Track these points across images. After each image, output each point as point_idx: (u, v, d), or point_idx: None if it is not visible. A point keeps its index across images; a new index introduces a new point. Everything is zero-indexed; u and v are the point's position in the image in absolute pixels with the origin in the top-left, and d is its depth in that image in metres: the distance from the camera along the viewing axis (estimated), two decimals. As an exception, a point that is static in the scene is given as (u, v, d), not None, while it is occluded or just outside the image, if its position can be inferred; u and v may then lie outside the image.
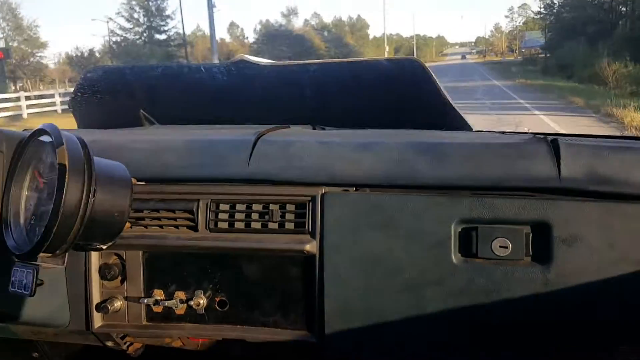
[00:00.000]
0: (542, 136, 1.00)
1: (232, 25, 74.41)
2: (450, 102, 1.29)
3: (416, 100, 1.31)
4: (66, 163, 0.78)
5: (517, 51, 65.12)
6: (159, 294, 1.01)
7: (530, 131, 1.26)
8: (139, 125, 1.48)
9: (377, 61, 1.34)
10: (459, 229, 0.91)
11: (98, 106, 1.51)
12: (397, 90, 1.32)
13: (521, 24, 66.94)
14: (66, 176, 0.78)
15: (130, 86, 1.49)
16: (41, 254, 0.81)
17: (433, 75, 1.27)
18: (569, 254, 0.87)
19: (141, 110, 1.48)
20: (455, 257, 0.91)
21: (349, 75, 1.35)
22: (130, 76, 1.48)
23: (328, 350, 0.96)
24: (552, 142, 0.94)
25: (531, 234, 0.90)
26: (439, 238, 0.91)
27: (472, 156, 0.94)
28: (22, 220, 0.88)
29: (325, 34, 58.68)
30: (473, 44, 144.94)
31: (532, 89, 19.07)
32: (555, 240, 0.87)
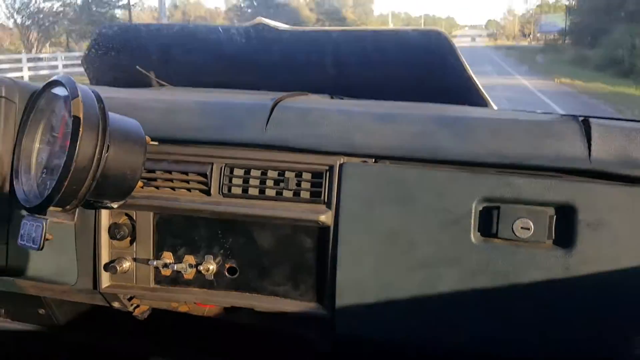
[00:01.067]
0: (572, 115, 0.96)
1: (229, -6, 72.61)
2: (474, 78, 1.25)
3: (439, 74, 1.27)
4: (81, 116, 0.76)
5: (530, 35, 63.88)
6: (168, 257, 1.00)
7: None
8: (151, 86, 1.45)
9: (402, 31, 1.31)
10: (480, 207, 0.89)
11: (111, 64, 1.48)
12: (421, 62, 1.29)
13: (535, 6, 65.70)
14: (80, 129, 0.75)
15: (145, 45, 1.46)
16: (51, 208, 0.80)
17: (458, 49, 1.23)
18: (594, 239, 0.84)
19: (151, 73, 1.45)
20: (474, 236, 0.88)
21: (372, 44, 1.31)
22: (146, 34, 1.45)
23: (338, 324, 0.94)
24: (584, 122, 0.90)
25: (555, 217, 0.87)
26: (458, 215, 0.88)
27: (498, 132, 0.90)
28: (33, 173, 0.86)
29: (327, 6, 56.71)
30: (484, 27, 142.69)
31: (605, 103, 10.62)
32: (580, 224, 0.84)
